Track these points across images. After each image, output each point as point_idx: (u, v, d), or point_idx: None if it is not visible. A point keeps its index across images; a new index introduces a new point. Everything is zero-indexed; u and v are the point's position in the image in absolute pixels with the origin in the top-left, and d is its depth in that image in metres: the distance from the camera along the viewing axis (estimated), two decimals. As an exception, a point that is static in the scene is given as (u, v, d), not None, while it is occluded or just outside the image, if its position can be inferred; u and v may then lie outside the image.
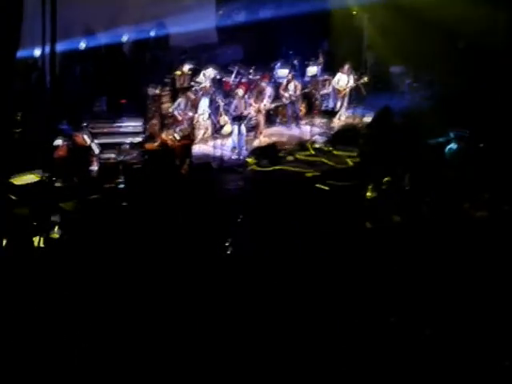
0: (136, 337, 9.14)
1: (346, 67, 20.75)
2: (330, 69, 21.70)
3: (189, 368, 8.48)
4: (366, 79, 20.66)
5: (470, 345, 8.74)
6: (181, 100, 18.76)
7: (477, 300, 9.91)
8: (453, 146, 16.14)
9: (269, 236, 12.79)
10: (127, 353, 8.73)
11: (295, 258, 11.50)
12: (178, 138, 17.83)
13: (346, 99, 21.07)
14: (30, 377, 8.35)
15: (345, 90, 20.82)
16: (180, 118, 18.51)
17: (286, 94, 20.14)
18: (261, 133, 19.61)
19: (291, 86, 20.17)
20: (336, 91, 21.08)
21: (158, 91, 19.21)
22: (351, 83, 20.72)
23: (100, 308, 9.71)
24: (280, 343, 8.96)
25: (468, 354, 8.59)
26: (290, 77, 20.31)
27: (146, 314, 9.60)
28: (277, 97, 20.43)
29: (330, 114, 21.15)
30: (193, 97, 19.01)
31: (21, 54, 16.94)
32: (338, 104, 21.15)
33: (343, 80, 20.78)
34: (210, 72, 20.18)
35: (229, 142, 18.85)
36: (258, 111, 19.46)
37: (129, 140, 18.10)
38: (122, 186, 16.13)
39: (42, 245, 11.93)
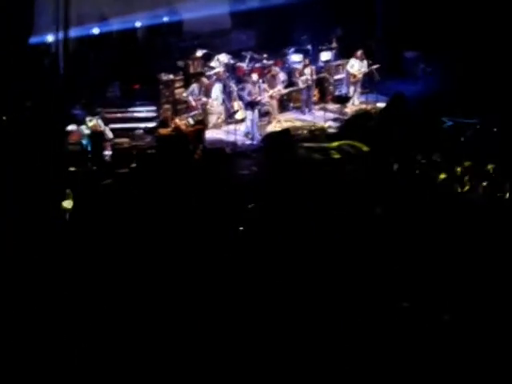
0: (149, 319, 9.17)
1: (359, 52, 20.68)
2: (344, 54, 21.63)
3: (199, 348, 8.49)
4: (377, 65, 20.50)
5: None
6: (194, 85, 18.78)
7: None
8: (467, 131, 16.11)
9: (283, 219, 12.80)
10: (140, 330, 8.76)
11: (309, 240, 11.51)
12: (191, 123, 17.86)
13: (359, 85, 21.02)
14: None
15: (358, 75, 20.76)
16: (193, 103, 18.55)
17: (303, 78, 20.09)
18: (274, 118, 19.61)
19: (307, 71, 20.13)
20: (350, 77, 21.04)
21: (171, 77, 19.24)
22: (365, 69, 20.65)
23: (110, 291, 9.74)
24: (296, 325, 8.95)
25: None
26: (307, 61, 20.29)
27: (156, 298, 9.61)
28: (290, 82, 20.42)
29: (344, 99, 21.14)
30: (206, 82, 19.02)
31: (34, 39, 17.12)
32: (352, 90, 21.12)
33: (357, 65, 20.72)
34: (224, 57, 20.21)
35: (242, 128, 18.86)
36: (272, 97, 19.43)
37: (142, 125, 18.18)
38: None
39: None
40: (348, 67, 20.96)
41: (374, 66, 20.48)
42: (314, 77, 20.34)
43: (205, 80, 19.03)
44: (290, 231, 11.98)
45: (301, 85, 20.13)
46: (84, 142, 16.52)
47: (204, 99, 18.79)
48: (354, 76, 20.83)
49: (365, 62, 20.64)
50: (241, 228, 12.66)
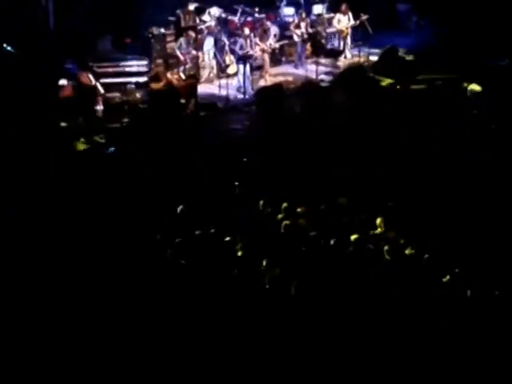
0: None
1: (344, 7, 20.44)
2: (335, 7, 21.40)
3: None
4: (366, 16, 20.24)
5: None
6: (182, 40, 18.58)
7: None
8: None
9: (279, 175, 12.77)
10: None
11: (307, 194, 11.48)
12: (183, 77, 17.75)
13: (349, 38, 20.80)
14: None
15: (347, 29, 20.56)
16: (182, 57, 18.36)
17: (298, 32, 19.91)
18: (266, 72, 19.45)
19: (303, 24, 19.96)
20: (339, 31, 20.86)
21: (162, 31, 19.03)
22: (352, 22, 20.44)
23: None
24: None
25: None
26: (303, 15, 20.12)
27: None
28: (283, 36, 20.26)
29: (336, 53, 20.99)
30: (194, 36, 18.81)
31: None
32: (342, 43, 20.95)
33: (343, 20, 20.49)
34: (215, 11, 20.02)
35: (234, 82, 18.73)
36: (264, 51, 19.27)
37: (134, 80, 18.03)
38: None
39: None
40: (334, 23, 20.71)
41: (364, 17, 20.19)
42: (310, 30, 20.18)
43: (192, 34, 18.75)
44: (288, 187, 11.94)
45: (296, 38, 19.97)
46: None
47: (193, 53, 18.62)
48: (342, 31, 20.65)
49: (350, 14, 20.39)
50: (236, 183, 12.63)
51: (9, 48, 15.33)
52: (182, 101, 17.10)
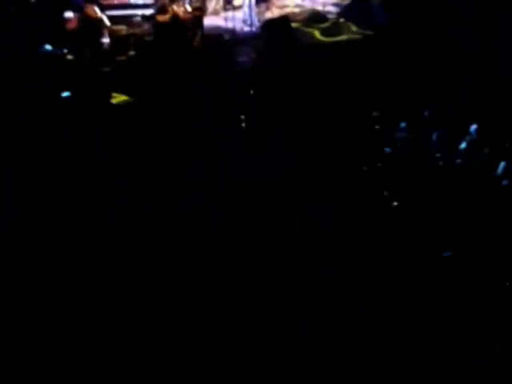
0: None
1: None
2: None
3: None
4: None
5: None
6: (191, -30, 18.47)
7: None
8: None
9: (280, 109, 12.80)
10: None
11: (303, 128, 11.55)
12: (189, 9, 17.65)
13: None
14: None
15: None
16: (190, -11, 18.27)
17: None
18: (273, 4, 19.34)
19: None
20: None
21: (168, -39, 18.85)
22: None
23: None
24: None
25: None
26: None
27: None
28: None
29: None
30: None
31: None
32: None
33: None
34: None
35: (240, 14, 18.64)
36: (270, -18, 19.14)
37: (140, 12, 17.95)
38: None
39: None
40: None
41: None
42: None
43: (202, -36, 18.67)
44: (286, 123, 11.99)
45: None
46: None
47: (201, -15, 18.53)
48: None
49: None
50: (242, 116, 12.69)
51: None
52: (189, 33, 17.05)
